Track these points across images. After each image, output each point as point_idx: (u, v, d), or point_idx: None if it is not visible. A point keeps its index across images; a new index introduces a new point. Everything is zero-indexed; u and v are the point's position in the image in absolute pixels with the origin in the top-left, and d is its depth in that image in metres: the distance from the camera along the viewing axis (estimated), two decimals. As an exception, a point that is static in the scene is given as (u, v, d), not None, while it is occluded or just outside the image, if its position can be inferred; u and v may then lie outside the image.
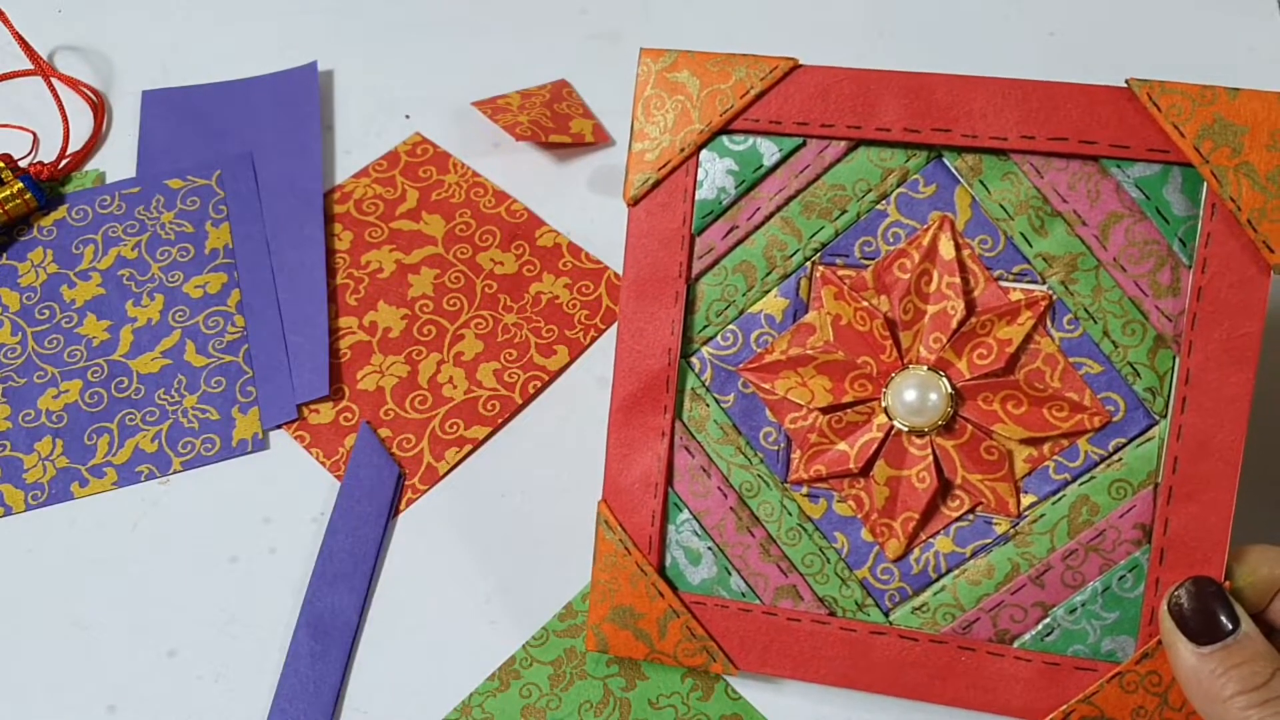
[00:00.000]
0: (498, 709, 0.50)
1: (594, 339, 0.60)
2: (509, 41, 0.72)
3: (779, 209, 0.47)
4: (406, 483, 0.56)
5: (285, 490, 0.56)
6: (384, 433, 0.58)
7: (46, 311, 0.61)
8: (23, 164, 0.65)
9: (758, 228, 0.47)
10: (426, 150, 0.67)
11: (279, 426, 0.58)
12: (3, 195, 0.62)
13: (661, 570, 0.48)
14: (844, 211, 0.47)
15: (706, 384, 0.48)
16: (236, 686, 0.51)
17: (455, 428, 0.58)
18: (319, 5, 0.74)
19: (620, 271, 0.62)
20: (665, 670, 0.50)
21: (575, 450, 0.57)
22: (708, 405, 0.48)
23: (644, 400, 0.48)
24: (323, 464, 0.57)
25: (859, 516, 0.47)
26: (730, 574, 0.48)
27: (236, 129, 0.68)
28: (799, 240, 0.47)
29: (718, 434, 0.48)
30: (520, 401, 0.58)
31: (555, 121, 0.66)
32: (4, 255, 0.63)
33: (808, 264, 0.47)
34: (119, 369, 0.59)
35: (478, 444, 0.57)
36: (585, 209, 0.65)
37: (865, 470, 0.46)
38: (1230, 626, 0.42)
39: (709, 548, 0.48)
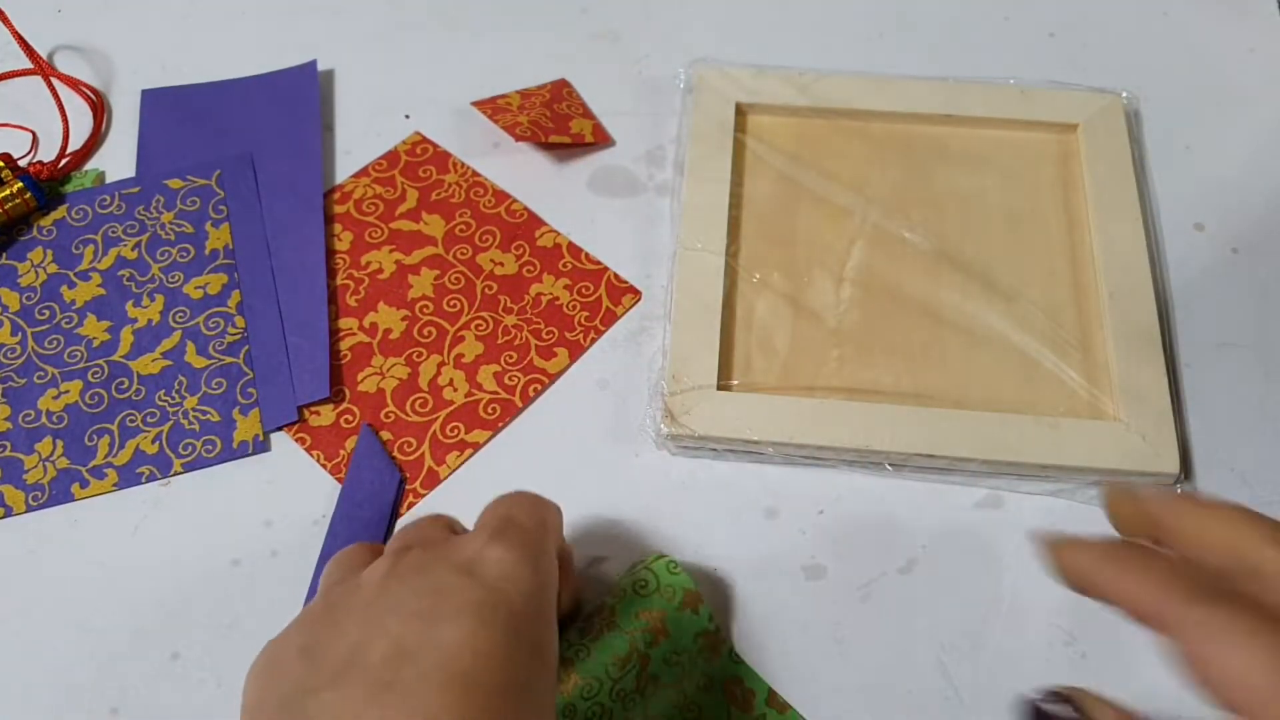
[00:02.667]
0: None
1: (593, 340, 0.60)
2: (509, 41, 0.72)
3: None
4: (407, 488, 0.56)
5: (286, 493, 0.56)
6: (385, 435, 0.58)
7: (46, 312, 0.61)
8: (22, 163, 0.65)
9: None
10: (426, 150, 0.67)
11: (280, 429, 0.58)
12: (2, 195, 0.62)
13: None
14: None
15: None
16: (239, 690, 0.51)
17: (456, 431, 0.58)
18: (320, 4, 0.74)
19: (619, 272, 0.62)
20: (681, 631, 0.50)
21: (576, 454, 0.57)
22: None
23: None
24: (323, 466, 0.57)
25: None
26: None
27: (236, 128, 0.68)
28: None
29: None
30: (520, 405, 0.59)
31: (555, 121, 0.66)
32: (4, 255, 0.63)
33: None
34: (119, 370, 0.59)
35: (478, 448, 0.58)
36: (585, 209, 0.65)
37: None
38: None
39: None
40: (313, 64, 0.70)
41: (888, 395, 0.57)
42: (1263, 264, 0.62)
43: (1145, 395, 0.56)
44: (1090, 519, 0.54)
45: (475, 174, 0.66)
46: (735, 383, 0.58)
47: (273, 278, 0.62)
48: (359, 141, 0.67)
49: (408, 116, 0.68)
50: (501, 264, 0.63)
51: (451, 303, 0.62)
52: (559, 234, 0.64)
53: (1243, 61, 0.70)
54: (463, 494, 0.56)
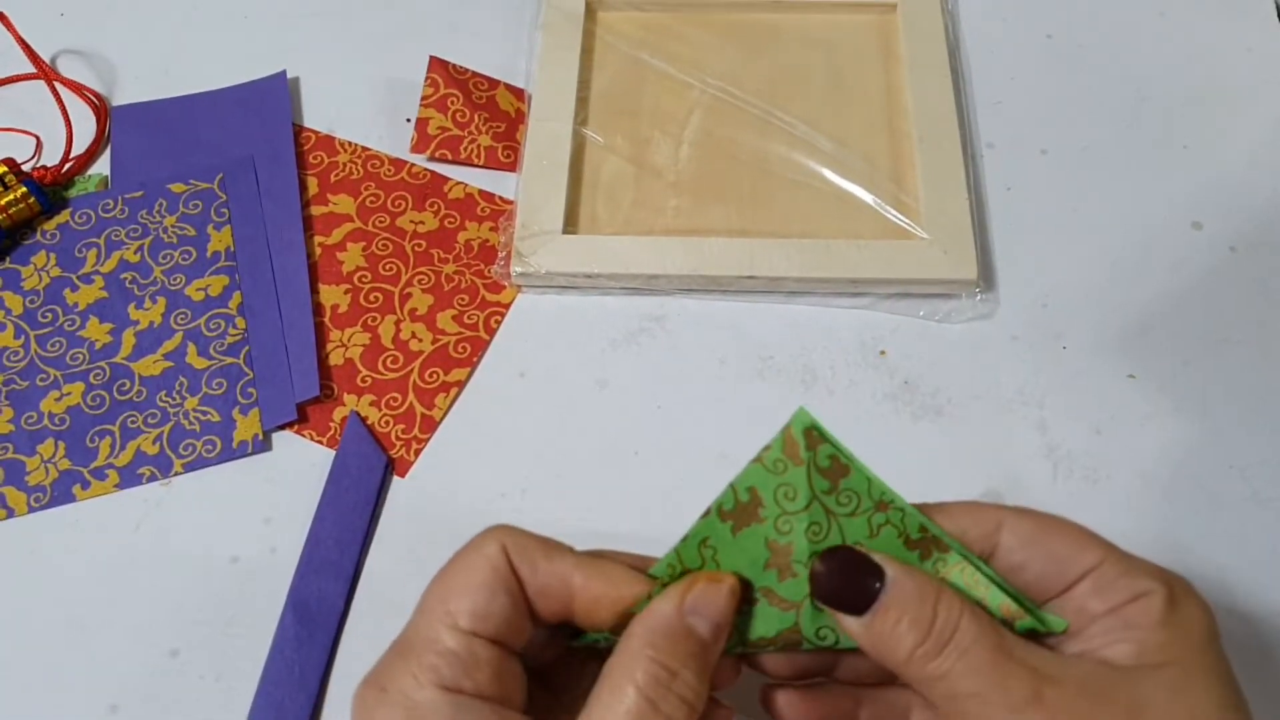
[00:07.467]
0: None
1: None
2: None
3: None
4: (408, 435, 0.58)
5: (285, 491, 0.57)
6: (368, 398, 0.59)
7: (49, 315, 0.61)
8: (26, 168, 0.66)
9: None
10: (309, 138, 0.68)
11: (280, 428, 0.58)
12: (6, 199, 0.63)
13: None
14: None
15: None
16: (238, 686, 0.51)
17: (435, 376, 0.60)
18: (322, 10, 0.74)
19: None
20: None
21: (575, 451, 0.57)
22: None
23: None
24: (318, 442, 0.58)
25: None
26: None
27: (210, 141, 0.68)
28: None
29: None
30: (488, 337, 0.61)
31: (498, 119, 0.68)
32: (7, 259, 0.63)
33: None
34: (121, 371, 0.60)
35: (462, 385, 0.59)
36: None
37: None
38: (876, 584, 0.37)
39: None
40: (282, 74, 0.70)
41: (718, 233, 0.62)
42: (1261, 263, 0.61)
43: (948, 219, 0.61)
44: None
45: (365, 149, 0.68)
46: (580, 230, 0.63)
47: (273, 279, 0.62)
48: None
49: (409, 120, 0.68)
50: (422, 222, 0.65)
51: (387, 266, 0.63)
52: (466, 185, 0.66)
53: (1240, 61, 0.69)
54: (459, 489, 0.57)
